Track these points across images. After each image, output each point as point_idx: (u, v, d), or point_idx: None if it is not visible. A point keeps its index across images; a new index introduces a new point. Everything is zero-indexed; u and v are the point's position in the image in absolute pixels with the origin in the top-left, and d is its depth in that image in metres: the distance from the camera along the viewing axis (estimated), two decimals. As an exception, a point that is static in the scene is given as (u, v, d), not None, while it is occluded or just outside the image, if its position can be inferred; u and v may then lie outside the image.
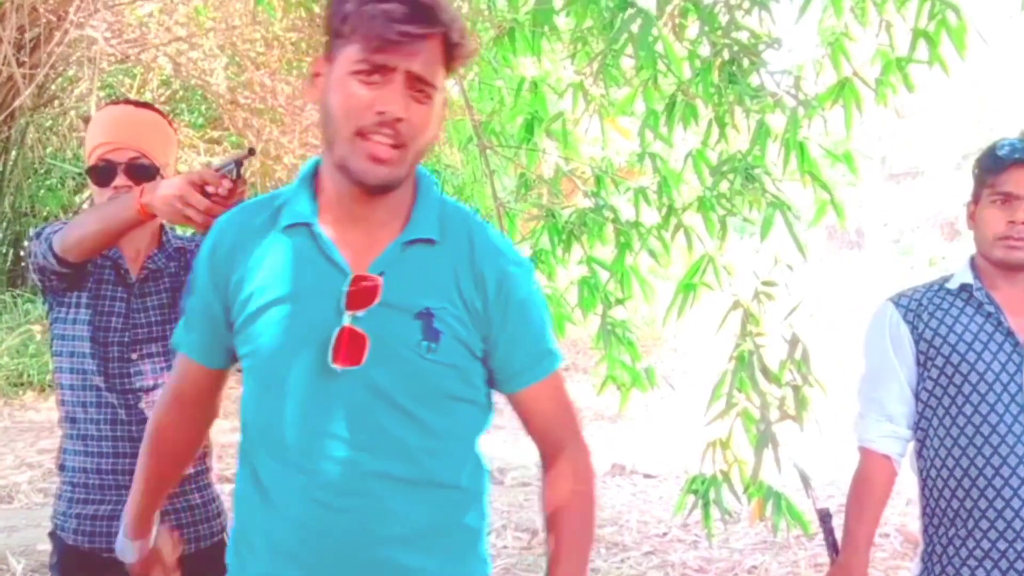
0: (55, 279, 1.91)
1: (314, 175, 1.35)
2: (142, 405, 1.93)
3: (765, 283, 2.79)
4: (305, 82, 1.44)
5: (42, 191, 8.90)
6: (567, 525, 1.37)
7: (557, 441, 1.39)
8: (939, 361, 1.87)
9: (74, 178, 8.77)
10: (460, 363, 1.30)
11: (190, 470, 1.97)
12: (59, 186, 8.99)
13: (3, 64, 5.86)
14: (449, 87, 1.99)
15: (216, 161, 1.69)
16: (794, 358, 2.72)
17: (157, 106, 2.56)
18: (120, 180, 1.91)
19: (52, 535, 1.99)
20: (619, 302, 2.95)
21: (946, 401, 1.87)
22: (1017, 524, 1.81)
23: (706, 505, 2.86)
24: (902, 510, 4.44)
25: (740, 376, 2.74)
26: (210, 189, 1.58)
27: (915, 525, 2.26)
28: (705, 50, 2.84)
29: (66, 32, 5.82)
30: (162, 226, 2.04)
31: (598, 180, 3.12)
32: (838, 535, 1.98)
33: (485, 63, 3.45)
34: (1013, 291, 1.87)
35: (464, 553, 1.37)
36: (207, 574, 2.00)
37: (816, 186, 2.77)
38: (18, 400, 7.21)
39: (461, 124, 4.01)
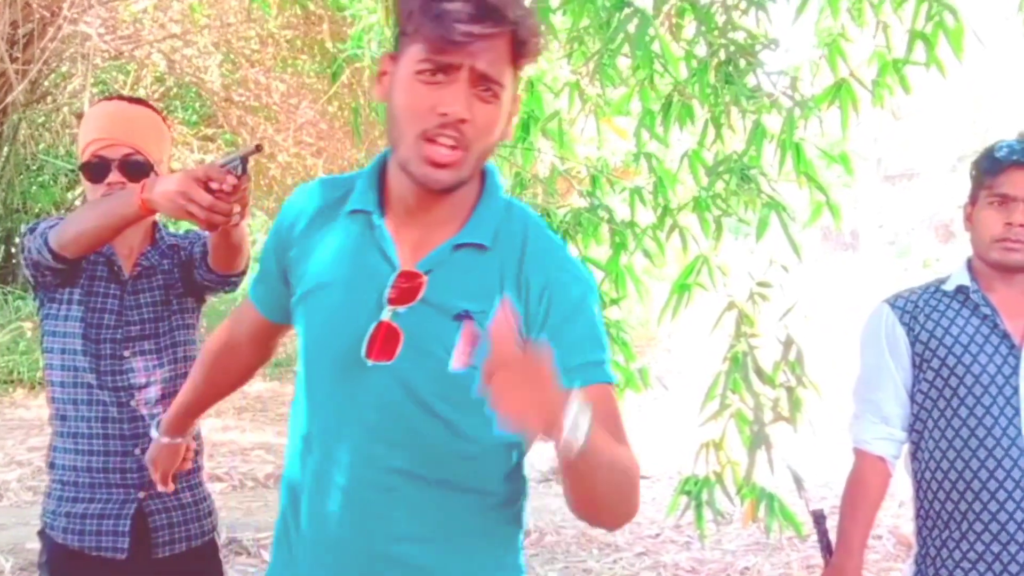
0: (49, 275, 1.89)
1: (383, 165, 1.34)
2: (134, 403, 1.92)
3: (760, 284, 2.79)
4: (377, 80, 1.39)
5: (34, 188, 8.88)
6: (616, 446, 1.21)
7: None
8: (935, 363, 1.87)
9: (67, 175, 8.74)
10: None
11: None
12: (51, 183, 8.97)
13: (-4, 60, 5.84)
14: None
15: (221, 157, 1.66)
16: (788, 359, 2.72)
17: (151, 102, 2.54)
18: (114, 176, 1.89)
19: (41, 533, 1.98)
20: (614, 302, 2.94)
21: (941, 403, 1.87)
22: (1011, 527, 1.80)
23: (699, 506, 2.86)
24: (895, 512, 4.44)
25: (734, 377, 2.74)
26: (214, 185, 1.55)
27: (908, 527, 2.26)
28: (702, 50, 2.83)
29: (59, 28, 5.80)
30: (155, 223, 2.03)
31: (593, 180, 3.11)
32: (832, 537, 1.98)
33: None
34: (1010, 293, 1.87)
35: (484, 559, 1.33)
36: (198, 572, 2.00)
37: (812, 187, 2.76)
38: (8, 397, 7.19)
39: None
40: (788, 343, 2.72)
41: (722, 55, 2.74)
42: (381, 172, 1.33)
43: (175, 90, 8.37)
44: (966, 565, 1.84)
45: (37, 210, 8.67)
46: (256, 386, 8.10)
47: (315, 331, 1.33)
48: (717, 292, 2.83)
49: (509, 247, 1.28)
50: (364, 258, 1.30)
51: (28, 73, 6.30)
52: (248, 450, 5.83)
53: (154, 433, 1.81)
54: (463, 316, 1.24)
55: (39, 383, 6.87)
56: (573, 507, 1.21)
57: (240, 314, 1.57)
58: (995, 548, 1.81)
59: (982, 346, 1.84)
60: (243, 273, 2.01)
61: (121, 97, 2.10)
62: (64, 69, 7.58)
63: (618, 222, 2.93)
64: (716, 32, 2.75)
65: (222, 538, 2.13)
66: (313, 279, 1.34)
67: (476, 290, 1.26)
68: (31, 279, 1.96)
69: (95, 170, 1.91)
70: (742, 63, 2.73)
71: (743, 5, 2.76)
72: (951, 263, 2.46)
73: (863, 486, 1.94)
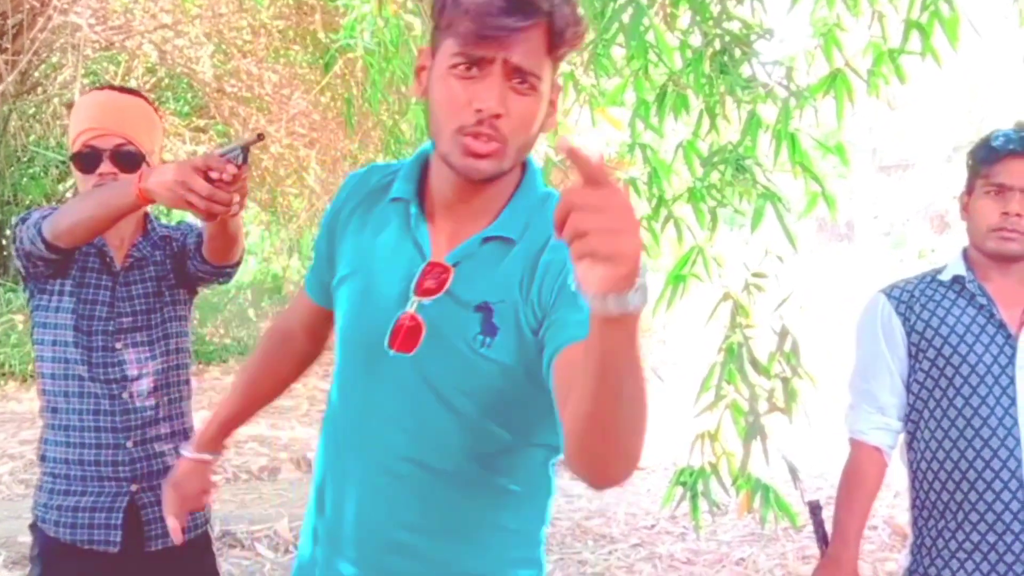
0: (41, 265, 1.87)
1: (426, 156, 1.33)
2: (126, 395, 1.91)
3: (755, 275, 2.79)
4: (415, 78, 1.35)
5: (25, 179, 8.82)
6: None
7: None
8: (931, 353, 1.87)
9: (57, 166, 8.69)
10: (516, 363, 1.24)
11: (174, 461, 1.95)
12: (42, 174, 8.91)
13: (-15, 50, 5.80)
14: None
15: (221, 146, 1.63)
16: (783, 350, 2.72)
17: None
18: (105, 167, 1.87)
19: (33, 527, 1.96)
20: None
21: (937, 393, 1.87)
22: (1007, 516, 1.80)
23: (694, 497, 2.86)
24: (890, 502, 4.45)
25: (729, 368, 2.73)
26: (214, 175, 1.53)
27: (903, 517, 2.26)
28: (696, 40, 2.81)
29: (49, 18, 5.75)
30: (147, 214, 2.01)
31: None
32: (828, 527, 1.98)
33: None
34: (1006, 283, 1.87)
35: (499, 553, 1.32)
36: (190, 566, 1.99)
37: (807, 177, 2.75)
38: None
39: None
40: (783, 334, 2.72)
41: (717, 45, 2.73)
42: (423, 163, 1.33)
43: (166, 81, 8.32)
44: (962, 555, 1.84)
45: (28, 202, 8.61)
46: (250, 378, 8.07)
47: (347, 317, 1.35)
48: (712, 283, 2.82)
49: (536, 238, 1.26)
50: (399, 247, 1.31)
51: (18, 64, 6.26)
52: (242, 443, 5.81)
53: (185, 452, 1.67)
54: (483, 308, 1.24)
55: (31, 376, 6.84)
56: (583, 428, 1.03)
57: (294, 302, 1.59)
58: (991, 538, 1.81)
59: (978, 336, 1.84)
60: (237, 264, 2.00)
61: (112, 87, 2.07)
62: (54, 60, 7.53)
63: (613, 213, 2.91)
64: (711, 22, 2.73)
65: (215, 531, 2.11)
66: (350, 264, 1.35)
67: (498, 283, 1.25)
68: (22, 270, 1.94)
69: (86, 160, 1.89)
70: (737, 53, 2.72)
71: (738, -6, 2.75)
72: (946, 254, 2.45)
73: (859, 476, 1.94)
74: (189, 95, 8.68)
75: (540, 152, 3.29)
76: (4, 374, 7.33)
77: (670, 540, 4.30)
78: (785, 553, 4.11)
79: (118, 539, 1.89)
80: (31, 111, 8.42)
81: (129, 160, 1.88)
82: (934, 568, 1.87)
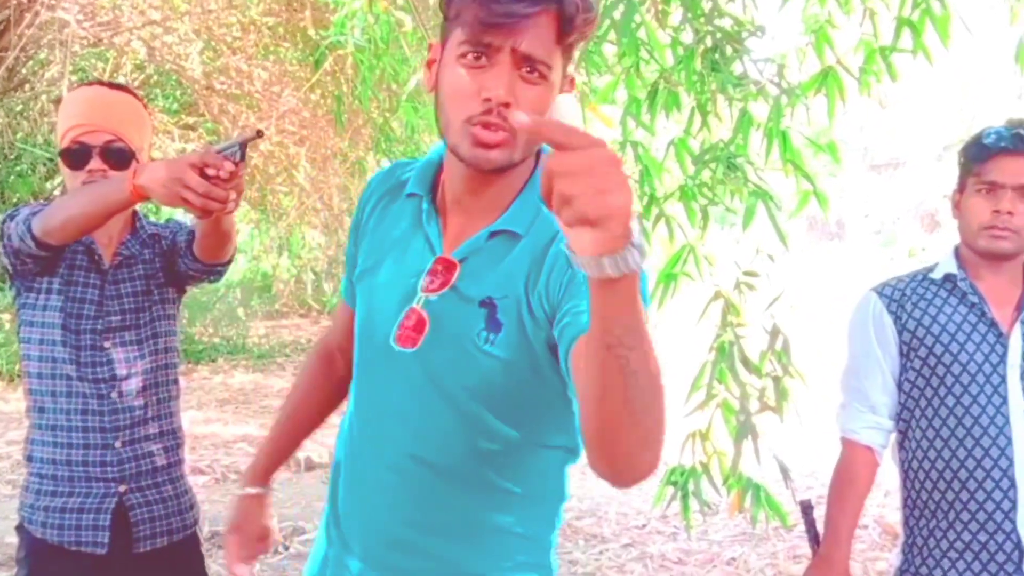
0: (30, 262, 1.85)
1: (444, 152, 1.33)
2: (114, 395, 1.89)
3: (746, 273, 2.78)
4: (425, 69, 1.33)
5: (12, 177, 8.77)
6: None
7: None
8: (922, 351, 1.86)
9: (45, 163, 8.65)
10: (520, 358, 1.22)
11: (163, 462, 1.94)
12: (30, 172, 8.86)
13: (-28, 47, 5.75)
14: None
15: (219, 143, 1.60)
16: (775, 349, 2.72)
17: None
18: (95, 163, 1.85)
19: (20, 528, 1.94)
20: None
21: (929, 392, 1.86)
22: (998, 516, 1.80)
23: (685, 497, 2.85)
24: (881, 501, 4.46)
25: (720, 367, 2.73)
26: (210, 172, 1.51)
27: (894, 516, 2.26)
28: (688, 37, 2.81)
29: (36, 14, 5.71)
30: (135, 212, 1.99)
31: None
32: (819, 527, 1.97)
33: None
34: (997, 281, 1.87)
35: (499, 556, 1.30)
36: (179, 567, 1.98)
37: (798, 176, 2.75)
38: (-13, 390, 7.12)
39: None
40: (774, 332, 2.72)
41: (708, 42, 2.72)
42: (439, 159, 1.32)
43: (155, 78, 8.27)
44: (953, 555, 1.84)
45: (15, 200, 8.56)
46: (239, 378, 8.06)
47: (361, 312, 1.35)
48: (703, 281, 2.82)
49: (545, 230, 1.24)
50: (411, 242, 1.31)
51: (5, 60, 6.21)
52: (231, 443, 5.79)
53: (247, 489, 1.60)
54: (487, 304, 1.23)
55: (17, 375, 6.80)
56: (596, 414, 0.98)
57: (335, 315, 1.59)
58: (982, 537, 1.81)
59: (969, 334, 1.84)
60: (229, 262, 1.98)
61: (101, 83, 2.04)
62: (42, 56, 7.48)
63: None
64: (703, 19, 2.73)
65: (204, 532, 2.09)
66: (367, 259, 1.36)
67: (503, 278, 1.24)
68: (9, 267, 1.92)
69: (75, 157, 1.86)
70: (728, 50, 2.71)
71: (730, -8, 2.75)
72: (937, 252, 2.45)
73: (850, 475, 1.94)
74: (178, 92, 8.64)
75: (531, 150, 3.28)
76: (-9, 373, 7.29)
77: (661, 540, 4.30)
78: (776, 553, 4.11)
79: (106, 540, 1.87)
80: (18, 108, 8.37)
81: (119, 157, 1.86)
82: (925, 567, 1.87)
